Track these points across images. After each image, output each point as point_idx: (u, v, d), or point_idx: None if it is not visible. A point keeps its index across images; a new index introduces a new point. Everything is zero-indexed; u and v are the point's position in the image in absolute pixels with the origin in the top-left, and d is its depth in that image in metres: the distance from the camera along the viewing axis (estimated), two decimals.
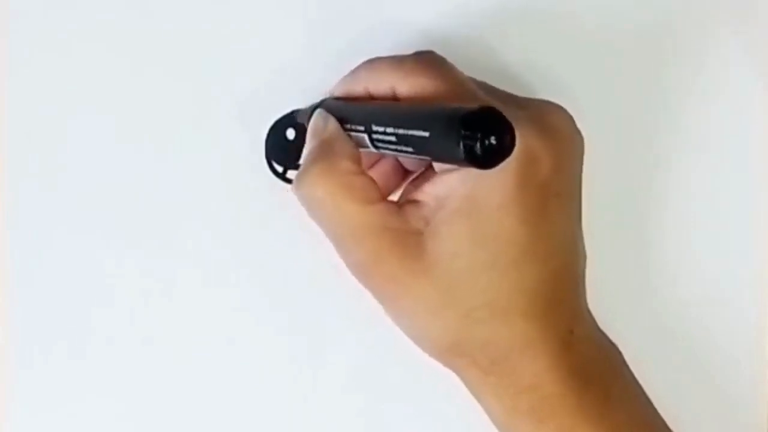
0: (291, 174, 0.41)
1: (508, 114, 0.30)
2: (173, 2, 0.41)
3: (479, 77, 0.38)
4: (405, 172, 0.40)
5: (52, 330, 0.40)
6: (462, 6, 0.42)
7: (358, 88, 0.38)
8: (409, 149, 0.33)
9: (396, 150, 0.33)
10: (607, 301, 0.39)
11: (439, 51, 0.37)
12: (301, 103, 0.41)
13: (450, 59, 0.37)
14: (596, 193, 0.38)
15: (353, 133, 0.36)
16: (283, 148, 0.41)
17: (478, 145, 0.29)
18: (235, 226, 0.41)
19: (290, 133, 0.41)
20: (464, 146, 0.29)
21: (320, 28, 0.41)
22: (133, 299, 0.41)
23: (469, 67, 0.37)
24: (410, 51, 0.38)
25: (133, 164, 0.41)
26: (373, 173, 0.39)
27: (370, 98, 0.37)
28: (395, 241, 0.35)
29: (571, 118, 0.37)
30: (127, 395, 0.41)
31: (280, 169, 0.41)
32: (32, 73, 0.40)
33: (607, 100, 0.43)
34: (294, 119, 0.41)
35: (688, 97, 0.44)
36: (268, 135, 0.41)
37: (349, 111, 0.37)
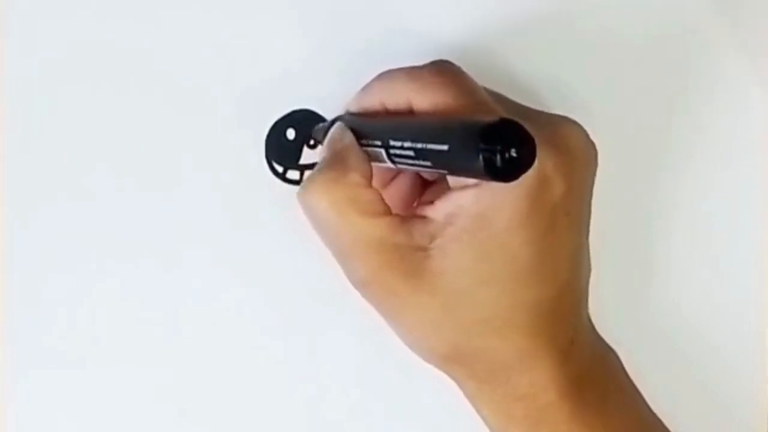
0: (291, 174, 0.41)
1: None
2: (173, 2, 0.41)
3: (487, 86, 0.38)
4: (424, 186, 0.39)
5: (51, 331, 0.40)
6: (469, 15, 0.42)
7: (374, 101, 0.37)
8: (428, 163, 0.32)
9: (414, 165, 0.33)
10: (607, 304, 0.39)
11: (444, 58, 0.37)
12: (302, 103, 0.41)
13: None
14: (596, 197, 0.38)
15: (370, 149, 0.36)
16: (283, 148, 0.41)
17: (498, 157, 0.29)
18: (235, 226, 0.41)
19: (290, 133, 0.41)
20: (484, 159, 0.29)
21: (321, 28, 0.41)
22: (132, 300, 0.41)
23: (476, 76, 0.37)
24: (411, 54, 0.38)
25: (133, 164, 0.41)
26: (392, 188, 0.39)
27: (386, 112, 0.37)
28: (397, 255, 0.35)
29: (584, 133, 0.36)
30: (126, 395, 0.41)
31: (280, 169, 0.41)
32: (32, 73, 0.40)
33: (608, 104, 0.43)
34: (294, 119, 0.41)
35: (687, 103, 0.44)
36: (268, 135, 0.41)
37: (366, 126, 0.37)
